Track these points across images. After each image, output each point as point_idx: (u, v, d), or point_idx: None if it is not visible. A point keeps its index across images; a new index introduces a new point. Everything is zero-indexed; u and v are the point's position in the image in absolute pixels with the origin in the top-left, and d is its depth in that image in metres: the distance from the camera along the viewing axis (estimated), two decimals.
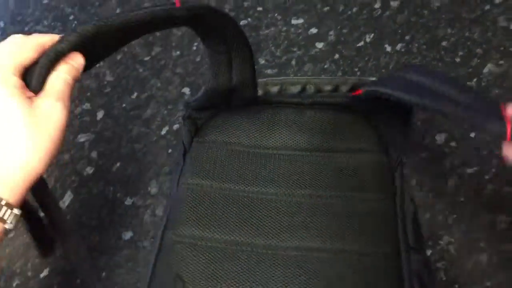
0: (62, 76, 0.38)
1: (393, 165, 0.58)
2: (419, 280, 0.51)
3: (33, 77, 0.37)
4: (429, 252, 0.64)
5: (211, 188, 0.54)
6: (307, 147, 0.57)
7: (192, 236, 0.51)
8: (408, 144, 0.57)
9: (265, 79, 0.59)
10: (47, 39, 0.38)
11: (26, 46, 0.37)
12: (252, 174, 0.55)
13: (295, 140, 0.58)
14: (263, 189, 0.54)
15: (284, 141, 0.58)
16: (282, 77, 0.59)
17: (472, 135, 0.73)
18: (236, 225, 0.51)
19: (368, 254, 0.50)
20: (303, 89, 0.59)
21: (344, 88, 0.59)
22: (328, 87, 0.59)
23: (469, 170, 0.70)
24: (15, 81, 0.36)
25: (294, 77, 0.59)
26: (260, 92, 0.59)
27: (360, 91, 0.56)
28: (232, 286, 0.48)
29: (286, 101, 0.60)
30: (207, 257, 0.49)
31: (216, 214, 0.52)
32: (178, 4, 0.40)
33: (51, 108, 0.37)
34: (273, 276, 0.48)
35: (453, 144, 0.72)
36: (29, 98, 0.36)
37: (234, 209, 0.53)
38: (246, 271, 0.49)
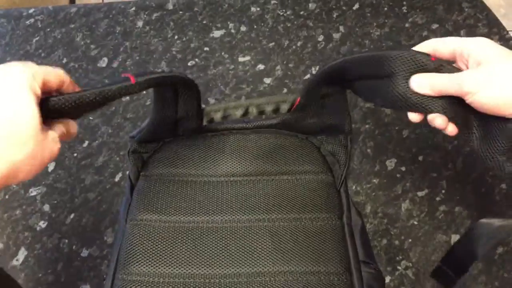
0: (68, 125, 0.43)
1: (338, 183, 0.59)
2: None
3: (54, 106, 0.40)
4: (388, 279, 0.65)
5: (160, 222, 0.54)
6: (253, 171, 0.58)
7: (144, 274, 0.51)
8: (349, 158, 0.59)
9: (207, 107, 0.60)
10: (67, 77, 0.43)
11: (55, 72, 0.41)
12: (201, 203, 0.56)
13: (241, 166, 0.59)
14: (211, 217, 0.55)
15: (230, 167, 0.59)
16: (223, 103, 0.60)
17: (420, 158, 0.75)
18: (187, 257, 0.52)
19: (318, 273, 0.51)
20: (246, 112, 0.60)
21: (285, 106, 0.60)
22: (269, 108, 0.60)
23: (420, 193, 0.72)
24: (39, 93, 0.38)
25: (236, 102, 0.61)
26: (204, 120, 0.60)
27: (298, 99, 0.58)
28: None
29: (230, 128, 0.62)
30: None
31: (167, 249, 0.52)
32: (133, 81, 0.45)
33: (54, 140, 0.40)
34: None
35: (403, 168, 0.74)
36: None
37: (184, 241, 0.53)
38: None
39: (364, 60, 0.48)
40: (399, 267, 0.66)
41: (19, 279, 0.67)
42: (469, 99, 0.42)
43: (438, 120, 0.46)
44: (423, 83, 0.44)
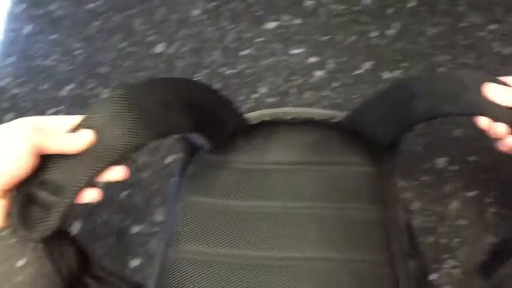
0: None
1: (384, 177, 0.59)
2: (415, 285, 0.52)
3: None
4: (434, 276, 0.65)
5: (209, 205, 0.56)
6: (299, 161, 0.59)
7: (194, 252, 0.52)
8: (398, 154, 0.59)
9: (257, 112, 0.61)
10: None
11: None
12: (248, 189, 0.57)
13: (287, 155, 0.60)
14: (259, 202, 0.56)
15: (277, 156, 0.60)
16: (274, 109, 0.61)
17: (472, 158, 0.74)
18: (235, 239, 0.53)
19: (363, 261, 0.51)
20: (294, 119, 0.61)
21: (333, 120, 0.61)
22: (318, 118, 0.61)
23: (470, 194, 0.71)
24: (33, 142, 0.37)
25: (286, 109, 0.62)
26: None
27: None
28: None
29: (280, 121, 0.63)
30: (209, 271, 0.50)
31: (216, 229, 0.54)
32: None
33: None
34: (274, 286, 0.49)
35: (453, 168, 0.74)
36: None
37: (233, 223, 0.54)
38: (247, 282, 0.50)
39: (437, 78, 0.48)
40: (445, 265, 0.66)
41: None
42: None
43: (499, 127, 0.45)
44: (499, 91, 0.44)
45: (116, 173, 0.41)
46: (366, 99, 0.56)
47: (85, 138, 0.41)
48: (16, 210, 0.38)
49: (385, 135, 0.57)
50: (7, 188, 0.38)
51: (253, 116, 0.61)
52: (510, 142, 0.46)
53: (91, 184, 0.40)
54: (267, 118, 0.62)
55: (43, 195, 0.39)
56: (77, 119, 0.42)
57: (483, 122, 0.47)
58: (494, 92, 0.46)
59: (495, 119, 0.46)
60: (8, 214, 0.38)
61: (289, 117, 0.62)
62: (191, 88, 0.49)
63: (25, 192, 0.38)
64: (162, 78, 0.47)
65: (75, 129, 0.41)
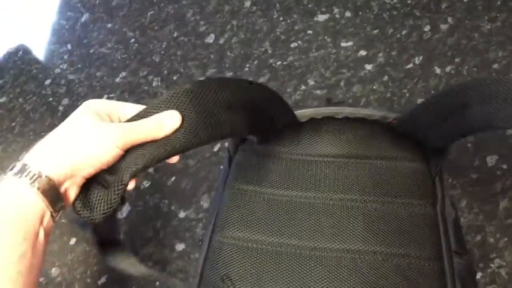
0: None
1: (433, 173, 0.58)
2: (461, 283, 0.51)
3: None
4: (479, 275, 0.64)
5: (256, 193, 0.57)
6: (347, 154, 0.59)
7: (239, 238, 0.53)
8: (447, 152, 0.58)
9: (308, 110, 0.61)
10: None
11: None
12: (295, 179, 0.58)
13: (335, 148, 0.60)
14: (305, 193, 0.56)
15: (325, 148, 0.60)
16: (323, 108, 0.61)
17: None
18: (280, 228, 0.54)
19: (409, 256, 0.51)
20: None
21: (384, 121, 0.61)
22: (369, 118, 0.61)
23: None
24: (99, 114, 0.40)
25: (336, 108, 0.62)
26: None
27: (394, 121, 0.58)
28: (277, 285, 0.50)
29: (328, 115, 0.63)
30: (253, 257, 0.52)
31: (261, 217, 0.55)
32: None
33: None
34: (316, 276, 0.50)
35: (504, 166, 0.72)
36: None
37: (278, 212, 0.55)
38: (290, 271, 0.50)
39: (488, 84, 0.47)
40: (492, 265, 0.64)
41: (122, 232, 0.73)
42: None
43: None
44: None
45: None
46: (420, 103, 0.55)
47: (176, 124, 0.43)
48: (81, 193, 0.40)
49: (436, 141, 0.57)
50: (87, 177, 0.40)
51: (304, 114, 0.62)
52: None
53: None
54: (318, 117, 0.63)
55: (104, 176, 0.41)
56: (139, 108, 0.44)
57: None
58: None
59: None
60: (75, 198, 0.40)
61: (340, 117, 0.62)
62: (251, 90, 0.50)
63: (92, 177, 0.41)
64: (226, 79, 0.49)
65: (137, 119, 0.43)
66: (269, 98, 0.53)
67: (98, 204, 0.40)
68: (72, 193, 0.40)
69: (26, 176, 0.37)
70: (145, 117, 0.42)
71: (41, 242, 0.37)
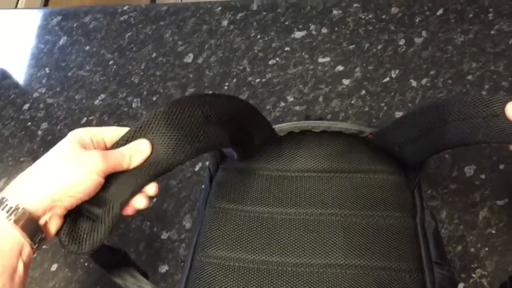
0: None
1: (411, 185, 0.59)
2: None
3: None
4: (461, 286, 0.64)
5: (236, 211, 0.57)
6: (327, 168, 0.60)
7: (220, 257, 0.53)
8: (426, 164, 0.59)
9: (286, 124, 0.61)
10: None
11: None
12: (275, 196, 0.58)
13: (315, 163, 0.61)
14: (285, 209, 0.57)
15: (304, 163, 0.61)
16: (303, 122, 0.62)
17: (501, 167, 0.73)
18: (262, 245, 0.54)
19: (389, 269, 0.51)
20: (323, 131, 0.62)
21: (361, 135, 0.62)
22: (346, 132, 0.62)
23: (500, 203, 0.70)
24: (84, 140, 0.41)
25: (315, 122, 0.62)
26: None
27: (370, 136, 0.59)
28: None
29: (306, 128, 0.63)
30: (235, 276, 0.52)
31: (242, 235, 0.55)
32: None
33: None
34: None
35: (482, 176, 0.73)
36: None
37: (259, 229, 0.55)
38: (273, 287, 0.51)
39: (470, 102, 0.48)
40: (473, 275, 0.65)
41: None
42: None
43: None
44: None
45: (151, 188, 0.44)
46: (396, 119, 0.56)
47: (145, 153, 0.43)
48: (66, 225, 0.40)
49: (412, 156, 0.58)
50: (69, 208, 0.40)
51: (282, 128, 0.62)
52: None
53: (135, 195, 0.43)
54: (296, 130, 0.63)
55: (90, 208, 0.41)
56: (122, 131, 0.44)
57: None
58: None
59: None
60: (59, 230, 0.40)
61: (318, 130, 0.63)
62: (229, 103, 0.51)
63: (77, 209, 0.41)
64: (203, 94, 0.49)
65: (123, 142, 0.43)
66: (247, 111, 0.54)
67: (87, 237, 0.40)
68: (54, 225, 0.40)
69: (3, 209, 0.37)
70: (130, 141, 0.43)
71: (20, 274, 0.37)
